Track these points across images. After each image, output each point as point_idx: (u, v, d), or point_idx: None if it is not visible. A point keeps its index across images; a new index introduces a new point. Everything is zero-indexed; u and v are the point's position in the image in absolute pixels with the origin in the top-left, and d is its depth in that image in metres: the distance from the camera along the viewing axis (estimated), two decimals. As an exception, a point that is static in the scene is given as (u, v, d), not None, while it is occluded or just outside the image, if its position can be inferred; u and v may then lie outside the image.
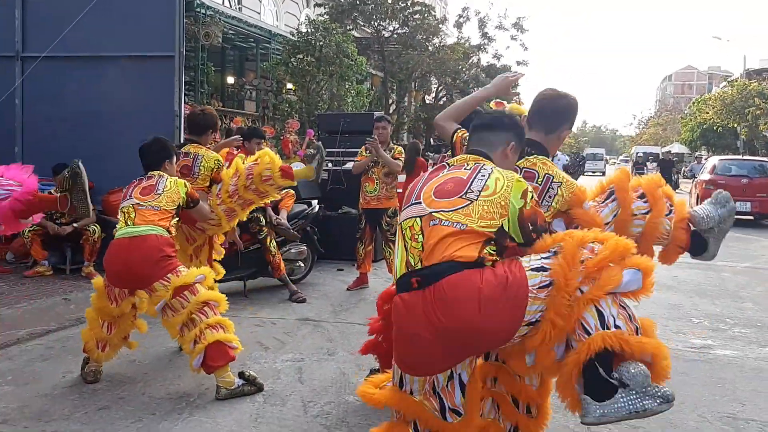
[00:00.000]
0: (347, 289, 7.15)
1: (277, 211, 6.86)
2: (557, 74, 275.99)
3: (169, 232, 4.11)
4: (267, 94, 20.29)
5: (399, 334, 2.29)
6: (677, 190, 18.53)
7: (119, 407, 3.85)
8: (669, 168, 22.08)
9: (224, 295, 4.19)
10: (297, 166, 12.11)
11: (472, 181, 2.33)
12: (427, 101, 31.76)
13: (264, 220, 6.59)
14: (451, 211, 2.27)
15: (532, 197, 2.35)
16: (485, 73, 29.01)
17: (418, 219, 2.33)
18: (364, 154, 7.10)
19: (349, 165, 8.39)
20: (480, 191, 2.29)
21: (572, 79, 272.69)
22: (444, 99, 31.16)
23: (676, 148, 44.62)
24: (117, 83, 7.54)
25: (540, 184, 2.72)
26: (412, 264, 2.28)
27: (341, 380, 4.37)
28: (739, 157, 20.71)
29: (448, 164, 2.51)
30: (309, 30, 18.37)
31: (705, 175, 16.44)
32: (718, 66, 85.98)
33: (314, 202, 7.84)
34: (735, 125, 33.41)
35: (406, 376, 2.36)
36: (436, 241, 2.23)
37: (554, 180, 2.74)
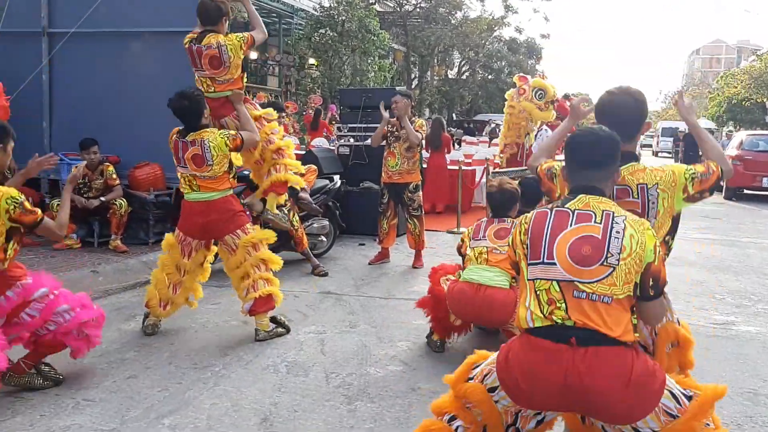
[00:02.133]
0: (369, 264, 7.20)
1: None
2: (581, 48, 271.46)
3: (232, 187, 4.68)
4: (289, 69, 20.29)
5: (527, 372, 2.26)
6: None
7: (146, 376, 3.95)
8: (697, 144, 21.04)
9: (279, 257, 4.83)
10: (319, 142, 12.15)
11: (609, 242, 2.23)
12: (450, 76, 31.51)
13: (286, 194, 6.63)
14: (596, 282, 2.21)
15: (659, 252, 2.30)
16: (507, 46, 28.69)
17: (555, 283, 2.26)
18: (382, 124, 7.07)
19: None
20: (619, 254, 2.22)
21: (596, 53, 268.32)
22: (467, 73, 30.92)
23: (703, 123, 43.76)
24: (142, 59, 7.58)
25: (637, 198, 2.61)
26: (557, 321, 2.24)
27: (362, 352, 4.43)
28: (767, 132, 20.26)
29: (570, 210, 2.34)
30: (332, 4, 18.28)
31: (732, 151, 16.19)
32: (747, 39, 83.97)
33: (336, 177, 7.88)
34: (764, 99, 32.74)
35: (501, 391, 2.37)
36: (585, 311, 2.21)
37: (649, 187, 2.60)
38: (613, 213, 2.29)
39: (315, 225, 7.14)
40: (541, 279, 2.29)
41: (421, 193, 7.20)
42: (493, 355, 2.47)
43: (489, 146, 14.86)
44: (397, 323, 5.10)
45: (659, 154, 41.48)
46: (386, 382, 3.95)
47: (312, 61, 19.43)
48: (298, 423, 3.38)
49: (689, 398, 2.28)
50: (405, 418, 3.46)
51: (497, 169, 11.48)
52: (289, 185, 6.19)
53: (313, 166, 7.43)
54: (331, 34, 18.14)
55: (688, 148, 20.61)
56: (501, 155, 13.29)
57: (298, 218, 6.72)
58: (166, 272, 4.72)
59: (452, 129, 19.78)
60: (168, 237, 4.81)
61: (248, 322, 4.82)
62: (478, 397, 2.41)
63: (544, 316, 2.25)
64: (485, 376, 2.43)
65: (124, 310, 5.31)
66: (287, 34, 20.92)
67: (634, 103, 2.72)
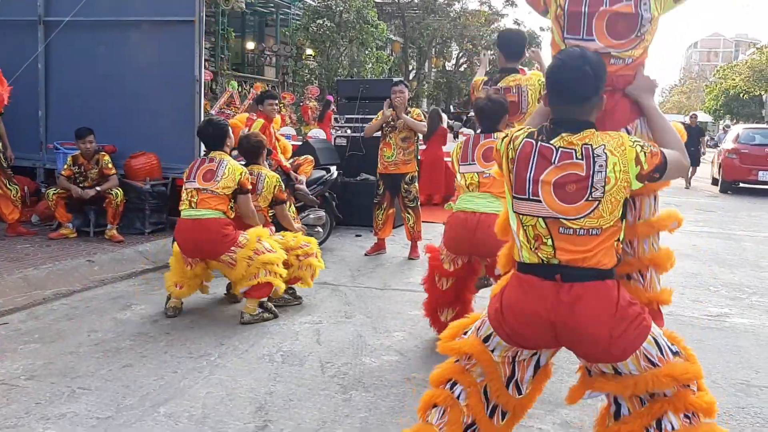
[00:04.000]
0: (365, 255, 7.21)
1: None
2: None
3: (227, 215, 4.78)
4: (287, 60, 20.25)
5: (514, 308, 2.31)
6: (702, 160, 17.63)
7: (142, 365, 3.96)
8: (697, 137, 18.13)
9: (283, 255, 4.90)
10: (316, 133, 12.16)
11: (593, 177, 2.22)
12: (447, 68, 31.44)
13: (283, 186, 6.63)
14: (582, 217, 2.23)
15: (645, 153, 2.26)
16: (507, 39, 28.50)
17: (541, 220, 2.28)
18: (378, 117, 7.09)
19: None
20: (604, 187, 2.22)
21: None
22: (464, 65, 30.86)
23: (699, 116, 43.91)
24: (138, 48, 7.57)
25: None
26: (543, 259, 2.28)
27: (358, 342, 4.45)
28: (764, 125, 20.28)
29: (554, 147, 2.29)
30: (329, -6, 18.24)
31: (728, 144, 16.22)
32: (745, 33, 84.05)
33: (333, 168, 7.88)
34: (762, 92, 32.79)
35: (494, 338, 2.41)
36: (570, 247, 2.24)
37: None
38: (592, 145, 2.26)
39: (311, 216, 7.14)
40: (527, 215, 2.32)
41: (417, 184, 7.21)
42: (483, 312, 2.50)
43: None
44: (393, 314, 5.11)
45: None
46: (381, 371, 3.96)
47: (309, 51, 19.37)
48: (293, 412, 3.39)
49: (674, 353, 2.32)
50: (399, 407, 3.48)
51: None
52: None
53: (310, 157, 7.43)
54: (329, 24, 18.07)
55: (688, 140, 20.55)
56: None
57: (294, 209, 6.71)
58: (174, 269, 4.94)
59: (450, 121, 19.75)
60: (175, 246, 4.94)
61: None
62: (474, 348, 2.44)
63: (531, 250, 2.30)
64: (478, 328, 2.47)
65: (119, 299, 5.31)
66: (285, 25, 20.87)
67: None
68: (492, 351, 2.42)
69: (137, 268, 6.16)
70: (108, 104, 7.59)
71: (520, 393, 2.46)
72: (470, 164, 4.18)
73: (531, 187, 2.29)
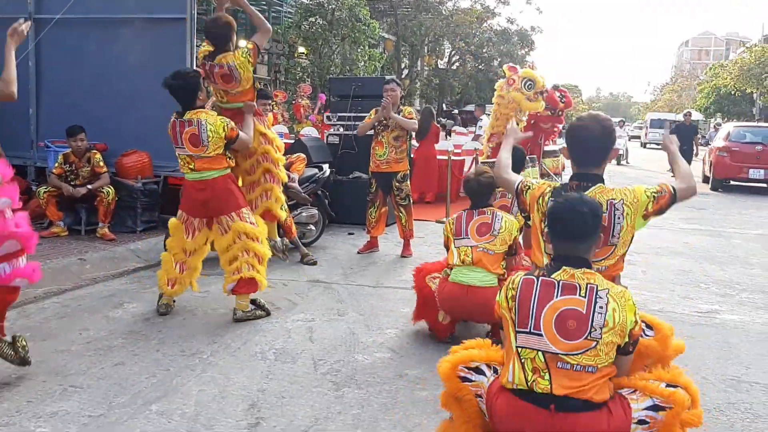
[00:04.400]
0: (357, 253, 7.22)
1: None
2: (571, 39, 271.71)
3: (229, 165, 4.85)
4: (279, 57, 20.21)
5: (506, 423, 2.46)
6: (695, 158, 17.49)
7: (134, 363, 3.95)
8: (691, 135, 17.31)
9: (268, 251, 4.96)
10: (308, 131, 12.15)
11: (593, 317, 2.36)
12: (440, 66, 31.45)
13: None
14: (580, 354, 2.35)
15: (639, 318, 2.48)
16: (498, 37, 28.62)
17: (540, 354, 2.39)
18: (372, 116, 7.09)
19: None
20: (602, 328, 2.36)
21: (586, 44, 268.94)
22: (457, 63, 30.89)
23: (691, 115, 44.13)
24: (130, 46, 7.53)
25: (606, 212, 2.76)
26: (538, 392, 2.39)
27: (350, 340, 4.45)
28: (754, 123, 20.37)
29: (556, 281, 2.46)
30: (321, -7, 18.21)
31: (719, 142, 16.28)
32: (736, 32, 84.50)
33: (325, 166, 7.87)
34: (752, 91, 32.96)
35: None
36: (567, 382, 2.36)
37: (615, 202, 2.80)
38: (597, 287, 2.42)
39: (304, 214, 7.13)
40: (527, 348, 2.42)
41: (408, 182, 7.21)
42: (483, 379, 2.61)
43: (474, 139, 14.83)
44: (385, 311, 5.12)
45: (647, 146, 41.68)
46: (374, 368, 3.97)
47: (302, 49, 19.34)
48: (285, 409, 3.39)
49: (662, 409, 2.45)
50: (392, 404, 3.49)
51: (485, 159, 11.52)
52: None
53: (302, 155, 7.42)
54: (321, 22, 18.05)
55: (678, 139, 20.27)
56: (489, 144, 13.33)
57: (287, 207, 6.70)
58: (173, 253, 4.93)
59: (443, 119, 19.75)
60: (172, 220, 4.98)
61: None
62: (469, 405, 2.62)
63: (527, 383, 2.40)
64: (477, 395, 2.61)
65: (111, 298, 5.30)
66: (277, 23, 20.79)
67: (602, 131, 2.89)
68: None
69: (129, 267, 6.14)
70: (99, 102, 7.55)
71: None
72: (464, 238, 4.34)
73: (533, 321, 2.41)
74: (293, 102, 17.88)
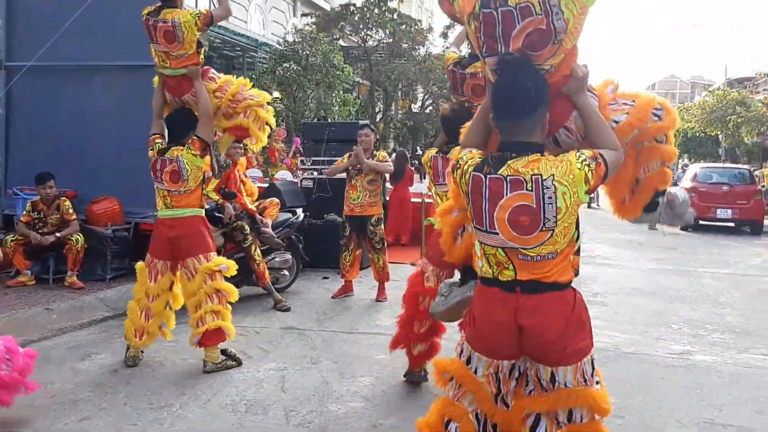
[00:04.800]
0: (332, 297, 7.16)
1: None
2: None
3: (202, 206, 4.90)
4: (253, 102, 20.29)
5: (484, 319, 2.48)
6: None
7: (100, 417, 3.84)
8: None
9: (236, 288, 4.90)
10: (282, 175, 12.13)
11: (544, 209, 2.32)
12: (413, 109, 31.84)
13: (248, 229, 6.60)
14: (539, 246, 2.35)
15: (591, 170, 2.35)
16: (471, 81, 28.89)
17: (500, 250, 2.40)
18: (344, 160, 7.12)
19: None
20: (555, 217, 2.33)
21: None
22: (430, 107, 31.28)
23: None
24: (103, 93, 7.51)
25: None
26: (505, 281, 2.42)
27: (324, 389, 4.38)
28: (720, 165, 20.85)
29: (503, 177, 2.35)
30: (296, 39, 18.41)
31: (686, 183, 16.59)
32: (700, 75, 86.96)
33: (299, 210, 7.87)
34: (717, 133, 33.78)
35: (474, 357, 2.53)
36: (530, 271, 2.38)
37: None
38: (541, 176, 2.32)
39: (277, 259, 7.09)
40: (487, 245, 2.44)
41: (383, 225, 7.23)
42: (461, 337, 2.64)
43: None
44: (360, 358, 5.06)
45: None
46: (347, 418, 3.90)
47: (276, 94, 19.45)
48: (256, 463, 3.31)
49: (597, 383, 2.51)
50: (365, 455, 3.42)
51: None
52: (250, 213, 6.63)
53: (276, 200, 7.41)
54: (296, 68, 18.20)
55: None
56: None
57: (259, 252, 6.66)
58: (137, 298, 4.83)
59: (415, 162, 19.90)
60: (139, 264, 4.91)
61: (207, 359, 4.73)
62: (459, 370, 2.56)
63: (493, 274, 2.44)
64: (459, 353, 2.60)
65: (78, 348, 5.17)
66: (251, 68, 20.94)
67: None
68: (475, 371, 2.53)
69: (97, 316, 6.02)
70: (71, 149, 7.50)
71: (507, 407, 2.55)
72: (443, 184, 4.31)
73: (487, 220, 2.40)
74: (268, 146, 17.93)
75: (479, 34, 2.55)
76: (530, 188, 2.32)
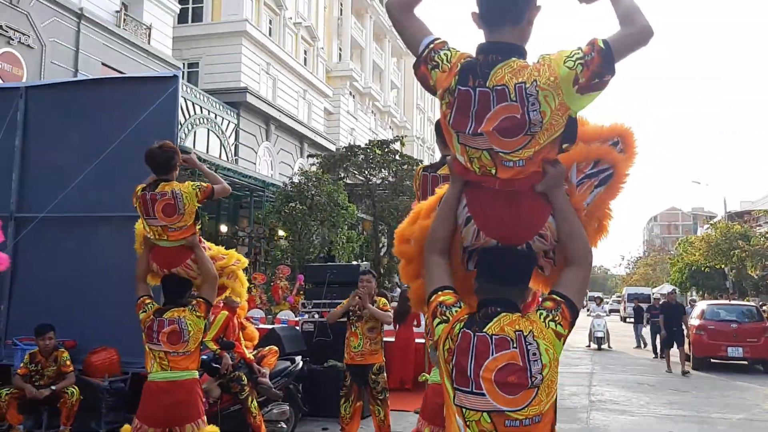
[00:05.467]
0: (331, 451, 6.92)
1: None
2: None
3: (198, 365, 4.79)
4: (259, 240, 20.64)
5: None
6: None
7: None
8: (679, 315, 15.76)
9: None
10: (285, 315, 12.10)
11: (530, 366, 2.25)
12: (418, 245, 32.16)
13: (245, 379, 6.51)
14: (525, 407, 2.24)
15: (557, 322, 2.30)
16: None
17: (486, 414, 2.26)
18: (344, 304, 7.13)
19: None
20: (541, 373, 2.25)
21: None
22: (434, 243, 31.59)
23: (666, 288, 44.93)
24: (106, 242, 7.61)
25: (516, 101, 2.32)
26: None
27: None
28: (726, 301, 20.77)
29: (489, 335, 2.29)
30: (301, 180, 19.02)
31: (695, 320, 16.42)
32: (701, 207, 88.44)
33: (298, 358, 7.78)
34: (723, 266, 33.86)
35: None
36: None
37: (527, 86, 2.31)
38: (522, 332, 2.27)
39: (275, 411, 6.94)
40: (470, 410, 2.27)
41: (385, 374, 7.10)
42: None
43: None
44: None
45: (627, 320, 41.95)
46: None
47: (281, 232, 19.82)
48: None
49: None
50: None
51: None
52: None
53: (275, 348, 7.38)
54: (301, 207, 18.68)
55: (666, 320, 15.66)
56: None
57: (256, 404, 6.53)
58: None
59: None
60: (125, 427, 4.74)
61: None
62: None
63: None
64: None
65: None
66: (258, 206, 21.49)
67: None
68: None
69: (87, 475, 5.81)
70: (72, 298, 7.52)
71: None
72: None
73: (473, 381, 2.27)
74: (272, 283, 18.04)
75: (451, 109, 2.45)
76: (515, 346, 2.26)
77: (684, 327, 15.63)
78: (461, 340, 2.33)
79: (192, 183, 4.86)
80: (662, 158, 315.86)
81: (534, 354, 2.26)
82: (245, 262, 5.32)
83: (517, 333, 2.28)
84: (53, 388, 6.61)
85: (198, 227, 4.89)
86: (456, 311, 2.37)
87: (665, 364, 15.22)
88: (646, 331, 20.41)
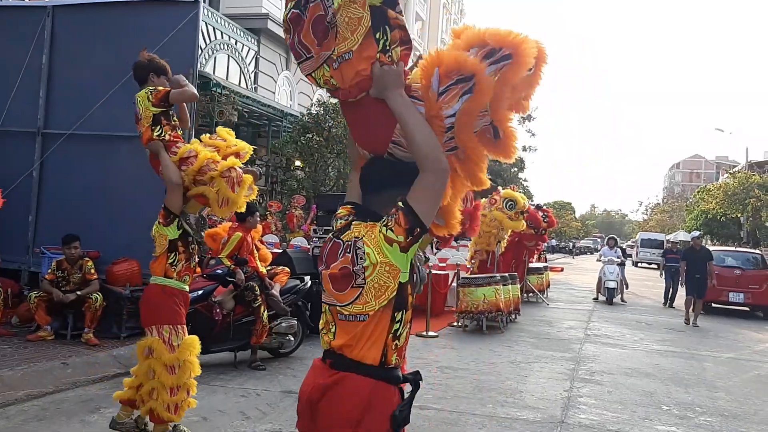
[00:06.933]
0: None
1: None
2: (566, 158, 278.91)
3: (166, 273, 4.79)
4: (276, 169, 20.96)
5: (302, 384, 2.44)
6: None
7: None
8: (704, 262, 14.07)
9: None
10: (298, 241, 12.46)
11: (355, 265, 2.36)
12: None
13: (258, 290, 6.94)
14: (351, 303, 2.35)
15: (390, 228, 2.31)
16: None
17: (327, 307, 2.42)
18: None
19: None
20: (364, 274, 2.34)
21: (581, 163, 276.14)
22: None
23: (681, 235, 44.94)
24: (128, 160, 7.97)
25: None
26: (327, 343, 2.41)
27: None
28: (733, 248, 20.89)
29: (342, 241, 2.43)
30: (319, 111, 19.14)
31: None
32: (725, 156, 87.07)
33: (307, 278, 8.20)
34: (738, 215, 33.79)
35: None
36: (343, 334, 2.36)
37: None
38: (357, 237, 2.41)
39: (283, 324, 7.38)
40: (323, 302, 2.48)
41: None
42: None
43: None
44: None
45: (638, 264, 42.45)
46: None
47: (298, 163, 20.10)
48: None
49: None
50: None
51: (466, 275, 11.88)
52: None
53: (286, 269, 7.79)
54: (318, 138, 18.89)
55: (689, 267, 14.24)
56: (471, 262, 13.72)
57: (266, 314, 6.98)
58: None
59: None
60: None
61: (208, 418, 5.00)
62: None
63: (323, 335, 2.42)
64: None
65: (89, 402, 5.47)
66: (276, 136, 21.71)
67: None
68: None
69: (109, 372, 6.34)
70: (96, 211, 7.96)
71: None
72: None
73: (322, 278, 2.48)
74: (287, 212, 18.48)
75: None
76: (349, 251, 2.41)
77: (708, 277, 13.97)
78: (325, 246, 2.55)
79: (148, 88, 4.78)
80: (687, 103, 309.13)
81: (361, 258, 2.39)
82: (236, 162, 4.97)
83: (354, 238, 2.45)
84: (78, 293, 7.12)
85: (156, 133, 4.72)
86: (340, 222, 2.56)
87: (671, 311, 15.55)
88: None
